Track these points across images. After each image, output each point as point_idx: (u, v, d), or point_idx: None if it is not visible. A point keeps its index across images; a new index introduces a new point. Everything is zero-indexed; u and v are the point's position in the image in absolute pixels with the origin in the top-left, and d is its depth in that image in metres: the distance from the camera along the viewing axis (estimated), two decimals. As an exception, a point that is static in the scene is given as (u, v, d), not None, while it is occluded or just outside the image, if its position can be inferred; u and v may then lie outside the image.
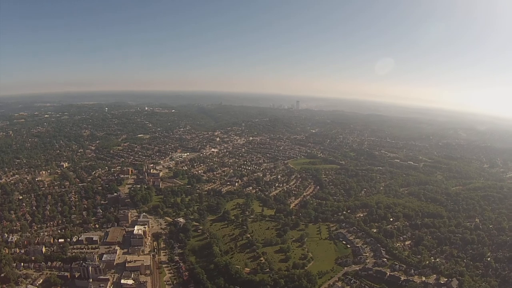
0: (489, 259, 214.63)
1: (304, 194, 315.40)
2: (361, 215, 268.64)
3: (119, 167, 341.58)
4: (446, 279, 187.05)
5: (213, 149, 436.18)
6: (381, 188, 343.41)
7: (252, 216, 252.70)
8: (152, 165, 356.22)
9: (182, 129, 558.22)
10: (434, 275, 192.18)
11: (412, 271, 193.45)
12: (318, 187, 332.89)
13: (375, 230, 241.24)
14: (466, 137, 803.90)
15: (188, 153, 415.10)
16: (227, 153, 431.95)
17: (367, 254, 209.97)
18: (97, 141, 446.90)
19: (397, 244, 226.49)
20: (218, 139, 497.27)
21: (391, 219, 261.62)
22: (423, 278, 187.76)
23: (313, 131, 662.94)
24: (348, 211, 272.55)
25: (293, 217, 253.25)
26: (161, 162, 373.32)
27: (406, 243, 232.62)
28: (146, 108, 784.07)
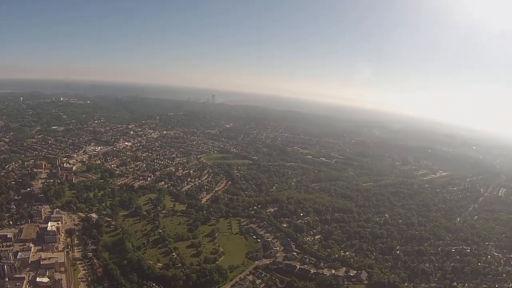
0: (398, 252, 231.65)
1: (216, 189, 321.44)
2: (272, 210, 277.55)
3: (33, 161, 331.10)
4: (356, 272, 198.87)
5: (126, 143, 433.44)
6: (293, 183, 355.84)
7: (164, 211, 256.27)
8: (65, 158, 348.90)
9: (96, 121, 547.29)
10: (344, 268, 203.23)
11: (322, 264, 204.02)
12: (230, 182, 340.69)
13: (285, 225, 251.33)
14: (380, 135, 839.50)
15: (101, 147, 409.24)
16: (141, 147, 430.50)
17: (278, 248, 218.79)
18: (11, 133, 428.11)
19: (307, 239, 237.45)
20: (132, 132, 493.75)
21: (302, 214, 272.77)
22: (333, 271, 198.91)
23: (228, 126, 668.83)
24: (259, 206, 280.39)
25: (204, 212, 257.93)
26: (75, 155, 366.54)
27: (316, 237, 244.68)
28: (62, 99, 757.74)
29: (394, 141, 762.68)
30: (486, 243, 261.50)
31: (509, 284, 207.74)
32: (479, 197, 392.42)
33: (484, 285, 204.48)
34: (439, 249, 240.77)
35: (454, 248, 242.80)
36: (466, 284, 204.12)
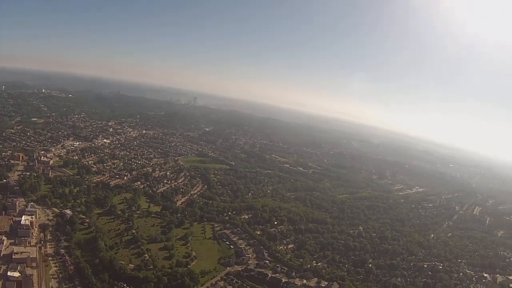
0: (370, 265, 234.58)
1: (192, 192, 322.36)
2: (246, 217, 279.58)
3: (10, 152, 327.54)
4: (327, 283, 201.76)
5: (105, 140, 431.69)
6: (269, 191, 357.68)
7: (138, 212, 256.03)
8: (43, 152, 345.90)
9: (77, 116, 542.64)
10: (315, 279, 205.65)
11: (294, 273, 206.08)
12: (206, 186, 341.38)
13: (259, 233, 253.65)
14: (359, 148, 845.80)
15: (80, 142, 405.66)
16: (119, 145, 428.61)
17: (250, 256, 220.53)
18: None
19: (280, 247, 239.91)
20: (111, 129, 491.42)
21: (276, 223, 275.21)
22: (304, 281, 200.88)
23: (207, 129, 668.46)
24: (234, 212, 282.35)
25: (179, 215, 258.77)
26: (53, 149, 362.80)
27: (289, 246, 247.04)
28: (44, 90, 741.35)
29: (372, 155, 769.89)
30: (459, 260, 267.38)
31: None
32: (454, 214, 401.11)
33: None
34: (412, 264, 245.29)
35: (426, 264, 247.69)
36: None
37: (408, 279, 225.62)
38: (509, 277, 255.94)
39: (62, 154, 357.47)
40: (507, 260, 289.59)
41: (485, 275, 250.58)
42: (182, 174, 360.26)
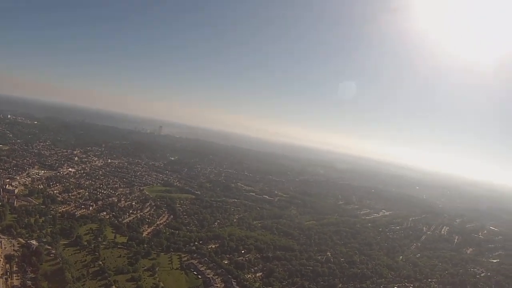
0: None
1: (158, 222, 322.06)
2: (213, 246, 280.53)
3: None
4: None
5: (70, 169, 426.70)
6: (235, 220, 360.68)
7: (104, 243, 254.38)
8: (8, 180, 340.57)
9: (42, 143, 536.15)
10: None
11: None
12: (172, 216, 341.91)
13: (226, 262, 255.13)
14: (324, 174, 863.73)
15: (45, 171, 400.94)
16: (84, 174, 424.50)
17: (218, 285, 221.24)
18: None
19: (249, 276, 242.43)
20: (76, 158, 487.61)
21: (243, 251, 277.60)
22: None
23: (172, 158, 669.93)
24: (200, 242, 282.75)
25: (145, 245, 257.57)
26: (18, 177, 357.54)
27: (258, 274, 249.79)
28: (9, 116, 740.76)
29: (338, 181, 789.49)
30: (429, 280, 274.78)
31: None
32: (422, 235, 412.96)
33: None
34: (382, 286, 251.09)
35: (396, 285, 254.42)
36: None
37: None
38: None
39: (27, 182, 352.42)
40: (477, 276, 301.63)
41: None
42: (148, 204, 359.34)
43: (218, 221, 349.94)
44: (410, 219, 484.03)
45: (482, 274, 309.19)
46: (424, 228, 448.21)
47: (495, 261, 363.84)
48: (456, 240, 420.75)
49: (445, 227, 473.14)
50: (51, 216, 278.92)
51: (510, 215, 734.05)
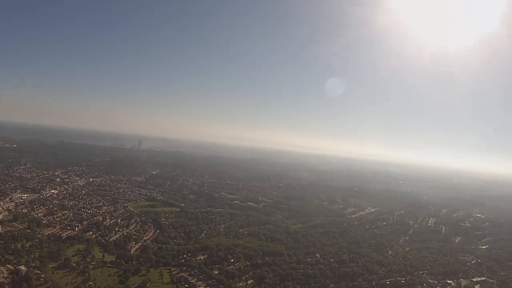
0: None
1: (145, 238, 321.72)
2: (202, 257, 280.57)
3: None
4: None
5: (53, 190, 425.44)
6: (221, 229, 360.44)
7: (93, 263, 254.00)
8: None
9: (23, 166, 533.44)
10: None
11: None
12: (158, 231, 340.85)
13: (216, 272, 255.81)
14: (307, 177, 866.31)
15: (28, 194, 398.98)
16: (67, 195, 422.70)
17: None
18: None
19: (240, 284, 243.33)
20: (58, 179, 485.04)
21: (232, 260, 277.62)
22: None
23: (154, 172, 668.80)
24: (189, 254, 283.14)
25: (134, 262, 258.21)
26: (1, 203, 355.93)
27: (249, 282, 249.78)
28: None
29: (321, 182, 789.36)
30: (420, 272, 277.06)
31: None
32: (409, 229, 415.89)
33: None
34: (374, 283, 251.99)
35: (388, 280, 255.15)
36: None
37: None
38: (472, 279, 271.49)
39: (11, 207, 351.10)
40: (468, 264, 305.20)
41: (448, 281, 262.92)
42: (133, 220, 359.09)
43: (205, 232, 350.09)
44: (396, 213, 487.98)
45: (473, 262, 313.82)
46: (411, 222, 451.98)
47: (484, 247, 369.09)
48: (443, 231, 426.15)
49: (431, 218, 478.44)
50: (37, 240, 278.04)
51: (494, 201, 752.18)
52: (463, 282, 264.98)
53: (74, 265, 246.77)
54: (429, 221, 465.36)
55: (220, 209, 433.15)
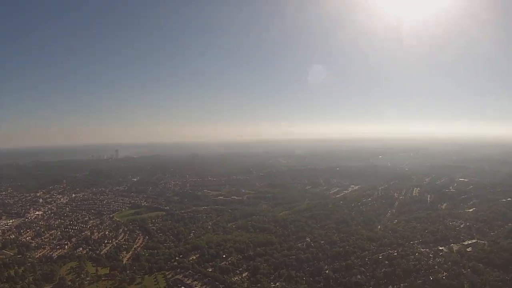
0: (327, 271, 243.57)
1: (135, 246, 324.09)
2: (194, 257, 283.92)
3: None
4: None
5: (38, 212, 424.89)
6: (209, 227, 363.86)
7: (88, 278, 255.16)
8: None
9: (4, 192, 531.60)
10: None
11: None
12: (147, 237, 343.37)
13: (210, 270, 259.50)
14: (286, 163, 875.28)
15: (13, 219, 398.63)
16: (52, 214, 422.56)
17: None
18: None
19: (235, 278, 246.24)
20: (41, 200, 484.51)
21: (224, 256, 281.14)
22: None
23: (135, 179, 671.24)
24: (181, 256, 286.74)
25: (128, 272, 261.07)
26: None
27: (244, 275, 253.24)
28: None
29: (301, 167, 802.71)
30: (411, 242, 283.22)
31: (443, 273, 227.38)
32: (395, 201, 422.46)
33: (419, 281, 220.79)
34: (367, 259, 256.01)
35: (381, 255, 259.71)
36: (402, 285, 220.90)
37: (368, 274, 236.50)
38: (463, 243, 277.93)
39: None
40: (457, 228, 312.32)
41: (440, 248, 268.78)
42: (121, 230, 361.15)
43: (193, 231, 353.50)
44: (380, 188, 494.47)
45: (462, 226, 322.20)
46: (395, 194, 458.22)
47: (471, 210, 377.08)
48: (429, 199, 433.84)
49: (415, 188, 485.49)
50: (29, 264, 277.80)
51: (475, 164, 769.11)
52: (455, 247, 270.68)
53: (70, 283, 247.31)
54: (414, 191, 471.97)
55: (205, 207, 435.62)
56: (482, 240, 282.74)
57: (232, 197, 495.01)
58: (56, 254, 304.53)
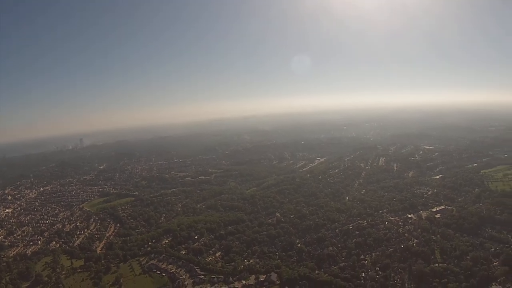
0: (299, 245, 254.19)
1: (107, 235, 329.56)
2: (167, 241, 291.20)
3: None
4: (265, 276, 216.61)
5: (7, 210, 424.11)
6: (179, 209, 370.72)
7: (64, 272, 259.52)
8: None
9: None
10: (253, 276, 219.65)
11: (231, 279, 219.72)
12: (118, 225, 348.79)
13: (184, 252, 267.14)
14: (251, 140, 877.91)
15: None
16: (22, 210, 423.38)
17: (184, 277, 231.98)
18: None
19: (209, 259, 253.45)
20: (10, 197, 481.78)
21: (196, 237, 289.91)
22: (244, 282, 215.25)
23: (101, 167, 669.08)
24: (153, 240, 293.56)
25: (103, 261, 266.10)
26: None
27: (217, 255, 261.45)
28: None
29: (266, 142, 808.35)
30: (380, 211, 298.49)
31: (413, 241, 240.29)
32: (361, 172, 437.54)
33: (391, 249, 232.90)
34: (337, 230, 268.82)
35: (351, 225, 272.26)
36: (374, 254, 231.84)
37: (339, 245, 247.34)
38: (432, 210, 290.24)
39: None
40: (425, 196, 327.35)
41: (409, 216, 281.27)
42: (92, 220, 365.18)
43: (164, 215, 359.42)
44: (346, 159, 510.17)
45: (429, 193, 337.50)
46: (362, 165, 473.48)
47: (437, 177, 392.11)
48: (395, 168, 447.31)
49: (381, 158, 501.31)
50: (4, 264, 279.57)
51: (440, 131, 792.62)
52: (424, 214, 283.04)
53: (46, 279, 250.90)
54: (380, 161, 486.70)
55: (174, 189, 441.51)
56: (450, 206, 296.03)
57: (200, 177, 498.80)
58: (30, 251, 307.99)
